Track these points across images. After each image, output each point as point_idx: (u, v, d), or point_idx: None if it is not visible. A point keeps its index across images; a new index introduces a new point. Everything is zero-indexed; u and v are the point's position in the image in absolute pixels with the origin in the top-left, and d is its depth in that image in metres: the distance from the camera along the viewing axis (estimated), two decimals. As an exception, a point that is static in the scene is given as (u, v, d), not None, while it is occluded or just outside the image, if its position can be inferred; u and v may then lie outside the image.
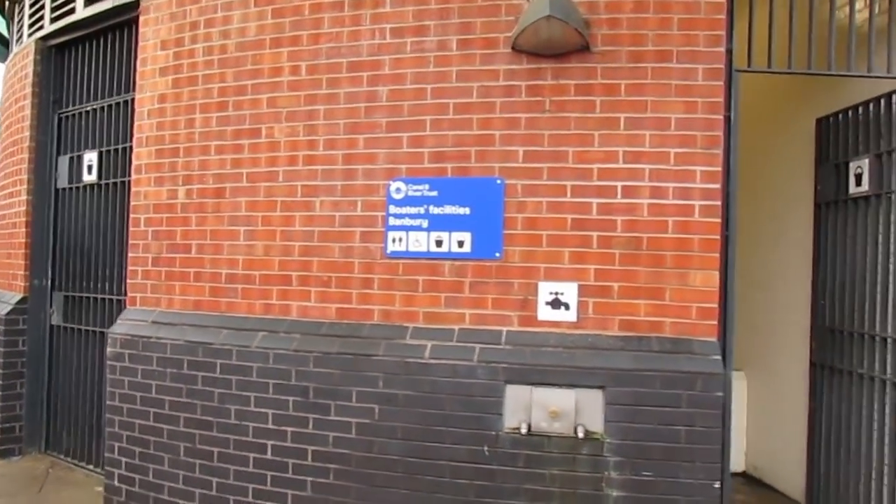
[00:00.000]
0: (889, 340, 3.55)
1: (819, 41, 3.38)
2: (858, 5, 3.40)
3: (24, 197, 5.06)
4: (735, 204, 3.33)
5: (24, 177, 5.06)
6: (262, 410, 3.52)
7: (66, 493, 4.38)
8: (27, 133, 5.07)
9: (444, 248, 3.38)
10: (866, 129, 3.78)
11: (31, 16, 5.30)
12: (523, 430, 3.14)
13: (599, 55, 3.31)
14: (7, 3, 5.84)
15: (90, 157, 4.74)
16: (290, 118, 3.67)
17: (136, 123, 4.12)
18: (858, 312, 3.80)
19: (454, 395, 3.25)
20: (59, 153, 5.02)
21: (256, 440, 3.53)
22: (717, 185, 3.23)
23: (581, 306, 3.27)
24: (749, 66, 3.43)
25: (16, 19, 5.79)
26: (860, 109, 3.83)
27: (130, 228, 4.09)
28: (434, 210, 3.40)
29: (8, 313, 4.93)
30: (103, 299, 4.61)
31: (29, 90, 5.10)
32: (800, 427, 4.30)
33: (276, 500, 3.46)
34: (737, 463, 5.05)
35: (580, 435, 3.11)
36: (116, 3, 4.44)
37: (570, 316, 3.27)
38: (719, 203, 3.22)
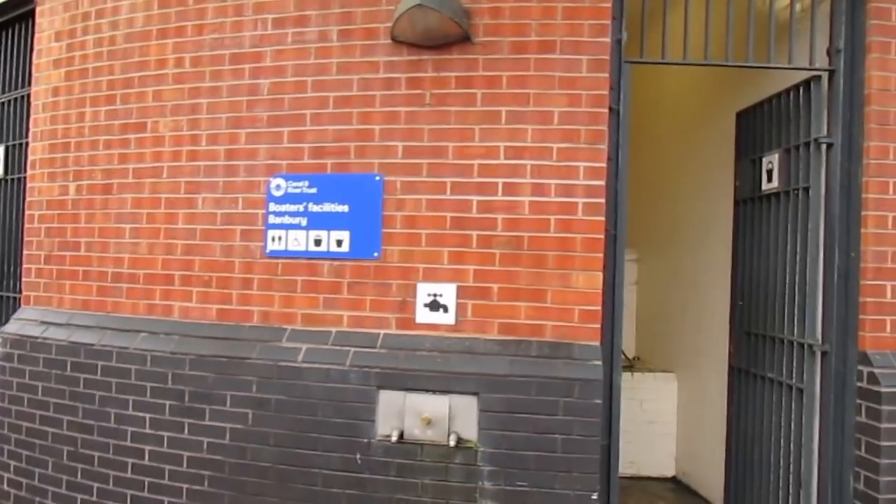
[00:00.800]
0: (795, 344, 3.38)
1: (715, 31, 3.22)
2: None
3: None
4: (624, 201, 3.18)
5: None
6: (140, 414, 3.42)
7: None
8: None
9: (323, 248, 3.26)
10: (778, 123, 3.62)
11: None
12: (394, 438, 3.00)
13: (481, 46, 3.16)
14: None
15: (-4, 152, 4.63)
16: (174, 112, 3.54)
17: (31, 117, 4.00)
18: (770, 315, 3.64)
19: (327, 401, 3.13)
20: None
21: (135, 445, 3.43)
22: (602, 182, 3.08)
23: (460, 308, 3.13)
24: (641, 57, 3.25)
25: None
26: (773, 102, 3.65)
27: (25, 225, 3.99)
28: (313, 208, 3.28)
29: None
30: (8, 297, 4.51)
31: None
32: (721, 432, 4.14)
33: (154, 507, 3.35)
34: (667, 468, 4.92)
35: (451, 443, 2.98)
36: (16, -5, 4.32)
37: (448, 318, 3.13)
38: (603, 200, 3.07)
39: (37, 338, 3.73)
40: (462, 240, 3.14)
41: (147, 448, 3.40)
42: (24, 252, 3.98)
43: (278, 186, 3.31)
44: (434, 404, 3.04)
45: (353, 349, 3.15)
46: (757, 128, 3.82)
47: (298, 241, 3.28)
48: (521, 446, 2.99)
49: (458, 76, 3.17)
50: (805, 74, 3.33)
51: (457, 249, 3.14)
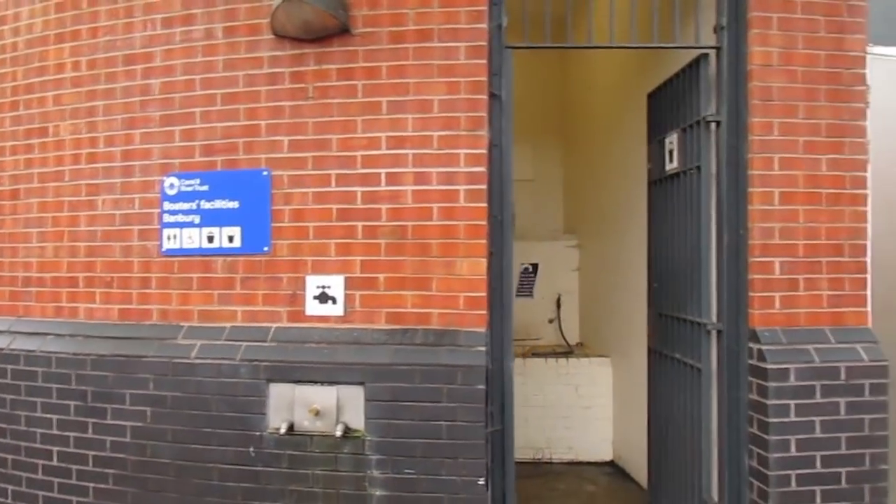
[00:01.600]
0: (693, 324, 3.37)
1: (598, 13, 3.21)
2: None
3: None
4: (510, 186, 3.19)
5: None
6: (48, 416, 3.46)
7: None
8: None
9: (216, 244, 3.28)
10: (676, 103, 3.60)
11: None
12: (282, 430, 3.03)
13: (360, 37, 3.17)
14: None
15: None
16: (73, 115, 3.58)
17: (-54, 126, 4.04)
18: (675, 296, 3.64)
19: (219, 396, 3.16)
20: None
21: (44, 446, 3.47)
22: (483, 169, 3.09)
23: (348, 300, 3.15)
24: (523, 41, 3.25)
25: None
26: (672, 83, 3.64)
27: (-56, 233, 4.02)
28: (205, 205, 3.30)
29: None
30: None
31: None
32: (645, 415, 4.15)
33: (64, 507, 3.40)
34: (605, 452, 4.93)
35: (338, 433, 2.99)
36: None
37: (337, 310, 3.15)
38: (484, 187, 3.08)
39: (-47, 344, 3.76)
40: (348, 231, 3.16)
41: (55, 449, 3.44)
42: (-56, 259, 4.01)
43: (172, 185, 3.34)
44: (322, 395, 3.06)
45: (244, 344, 3.18)
46: (661, 108, 3.81)
47: (192, 238, 3.31)
48: (407, 434, 3.00)
49: (339, 68, 3.19)
50: (697, 53, 3.31)
51: (343, 241, 3.16)
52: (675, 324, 3.62)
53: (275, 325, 3.20)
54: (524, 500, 4.14)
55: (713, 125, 3.24)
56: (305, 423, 3.06)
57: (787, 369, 3.02)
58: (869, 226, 3.23)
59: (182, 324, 3.32)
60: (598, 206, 5.16)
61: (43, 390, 3.46)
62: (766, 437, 3.02)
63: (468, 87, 3.09)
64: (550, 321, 5.72)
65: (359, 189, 3.14)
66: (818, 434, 3.03)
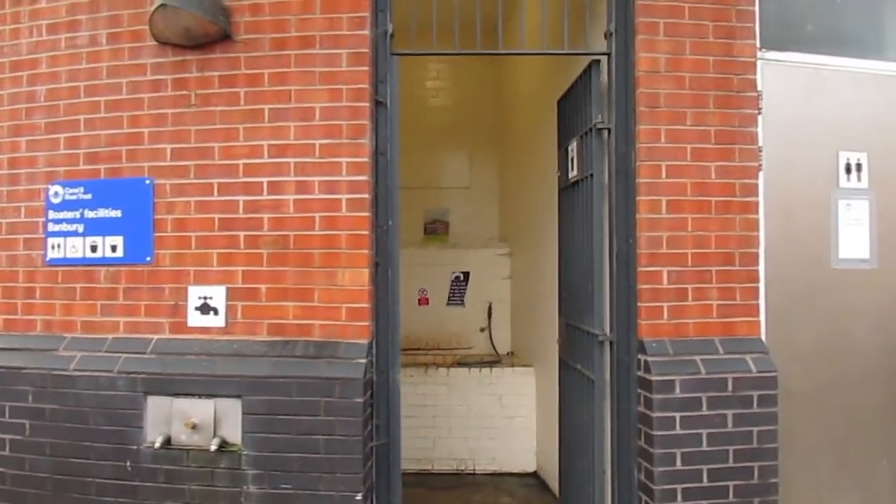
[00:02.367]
0: (592, 336, 3.32)
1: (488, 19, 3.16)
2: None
3: None
4: (395, 194, 3.13)
5: None
6: (-68, 429, 3.36)
7: None
8: None
9: (99, 254, 3.22)
10: (576, 110, 3.56)
11: None
12: (157, 444, 2.96)
13: (243, 44, 3.12)
14: None
15: None
16: (-37, 123, 3.49)
17: None
18: (579, 306, 3.58)
19: (97, 409, 3.09)
20: None
21: (-72, 460, 3.37)
22: (365, 177, 3.04)
23: (230, 311, 3.09)
24: (410, 48, 3.20)
25: None
26: (574, 89, 3.60)
27: None
28: (89, 214, 3.24)
29: None
30: None
31: None
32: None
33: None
34: (529, 463, 4.88)
35: (213, 448, 2.92)
36: None
37: (219, 321, 3.09)
38: (366, 196, 3.03)
39: None
40: (230, 241, 3.10)
41: (-62, 463, 3.34)
42: None
43: (56, 193, 3.27)
44: (200, 409, 3.00)
45: (123, 355, 3.11)
46: (566, 115, 3.77)
47: (76, 247, 3.24)
48: (285, 448, 2.94)
49: (221, 75, 3.13)
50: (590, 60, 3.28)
51: (225, 251, 3.10)
52: (577, 334, 3.57)
53: (156, 337, 3.13)
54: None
55: (605, 133, 3.18)
56: (182, 436, 2.99)
57: (672, 381, 2.97)
58: (762, 234, 3.19)
59: (66, 335, 3.25)
60: (526, 214, 5.12)
61: (-73, 403, 3.36)
62: (651, 450, 2.97)
63: (350, 94, 3.04)
64: (482, 330, 5.66)
65: (241, 198, 3.09)
66: (705, 447, 2.98)
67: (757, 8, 3.22)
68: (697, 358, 3.03)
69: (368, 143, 3.05)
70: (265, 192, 3.09)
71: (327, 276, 3.04)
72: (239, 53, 3.13)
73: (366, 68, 3.05)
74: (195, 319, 3.12)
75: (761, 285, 3.17)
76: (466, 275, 5.71)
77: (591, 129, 3.27)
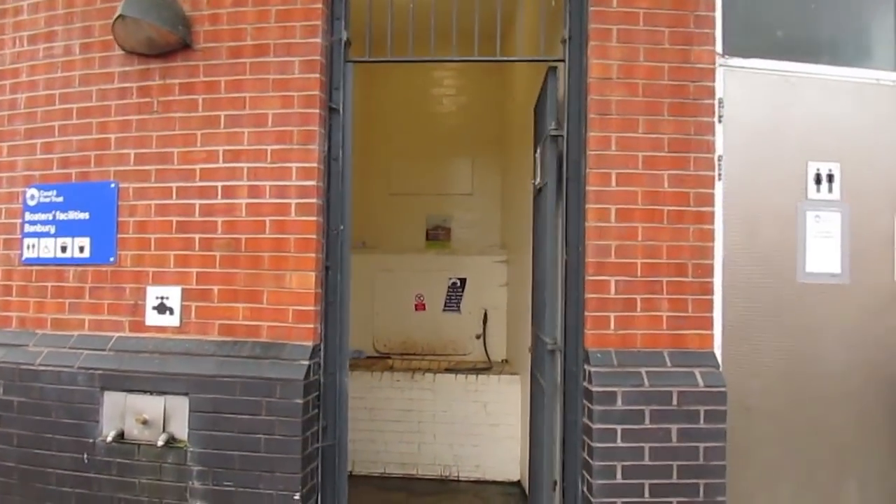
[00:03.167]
0: (543, 344, 3.30)
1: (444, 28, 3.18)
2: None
3: None
4: (348, 199, 3.18)
5: None
6: None
7: None
8: None
9: (69, 254, 3.36)
10: (542, 118, 3.54)
11: None
12: (109, 438, 3.08)
13: (202, 53, 3.22)
14: None
15: None
16: (-52, 129, 3.70)
17: None
18: (541, 315, 3.55)
19: (59, 403, 3.22)
20: None
21: None
22: (314, 182, 3.10)
23: (184, 311, 3.19)
24: (367, 55, 3.25)
25: None
26: (540, 96, 3.59)
27: None
28: (60, 216, 3.39)
29: None
30: None
31: None
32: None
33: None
34: (512, 472, 4.84)
35: (160, 443, 3.02)
36: None
37: (174, 321, 3.20)
38: (315, 201, 3.09)
39: None
40: (186, 243, 3.20)
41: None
42: None
43: (32, 196, 3.44)
44: (151, 405, 3.10)
45: (85, 352, 3.24)
46: (538, 122, 3.75)
47: (48, 248, 3.39)
48: (228, 446, 3.01)
49: (181, 83, 3.24)
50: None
51: (182, 253, 3.20)
52: (538, 343, 3.54)
53: (117, 335, 3.25)
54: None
55: (559, 140, 3.16)
56: (135, 431, 3.10)
57: (614, 392, 2.92)
58: (719, 245, 3.11)
59: (37, 331, 3.39)
60: (518, 222, 5.10)
61: None
62: (592, 462, 2.92)
63: (301, 101, 3.10)
64: (478, 337, 5.64)
65: (197, 202, 3.18)
66: (647, 461, 2.91)
67: (719, 14, 3.14)
68: (643, 370, 2.96)
69: (318, 149, 3.10)
70: (219, 196, 3.17)
71: (276, 279, 3.10)
72: (198, 62, 3.22)
73: (317, 75, 3.11)
74: (153, 319, 3.22)
75: (717, 298, 3.08)
76: (463, 281, 5.71)
77: (547, 137, 3.24)
